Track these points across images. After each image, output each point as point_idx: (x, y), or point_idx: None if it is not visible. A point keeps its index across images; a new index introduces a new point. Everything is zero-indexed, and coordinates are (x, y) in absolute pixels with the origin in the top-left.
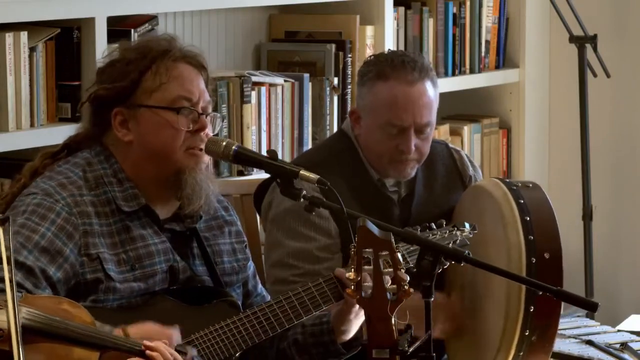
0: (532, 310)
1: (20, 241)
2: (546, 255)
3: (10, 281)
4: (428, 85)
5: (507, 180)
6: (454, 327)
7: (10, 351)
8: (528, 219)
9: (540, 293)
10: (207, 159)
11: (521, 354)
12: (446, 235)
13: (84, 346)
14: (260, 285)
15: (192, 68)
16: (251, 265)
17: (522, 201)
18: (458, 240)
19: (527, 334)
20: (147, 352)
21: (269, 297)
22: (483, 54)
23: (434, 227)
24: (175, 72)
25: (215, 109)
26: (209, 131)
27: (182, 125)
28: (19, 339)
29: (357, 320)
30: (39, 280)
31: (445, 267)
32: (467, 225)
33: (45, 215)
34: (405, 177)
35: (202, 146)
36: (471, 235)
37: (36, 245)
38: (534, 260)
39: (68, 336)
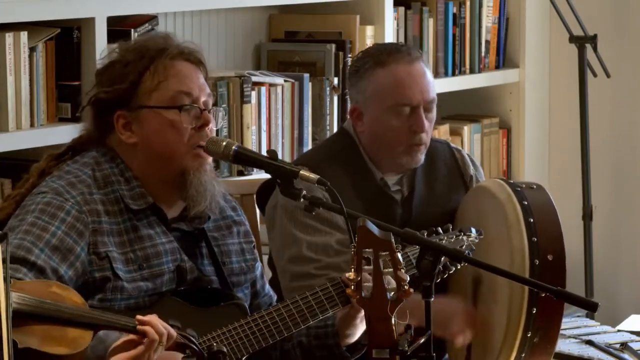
0: (534, 311)
1: (32, 240)
2: (549, 257)
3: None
4: (424, 65)
5: (511, 181)
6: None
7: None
8: (532, 220)
9: (543, 294)
10: (211, 159)
11: (523, 355)
12: (452, 240)
13: (77, 326)
14: (267, 286)
15: (190, 64)
16: (259, 265)
17: (525, 202)
18: (464, 246)
19: (529, 335)
20: (139, 327)
21: (275, 297)
22: (483, 54)
23: (441, 231)
24: (173, 70)
25: (215, 105)
26: (212, 126)
27: (185, 123)
28: (9, 325)
29: (363, 324)
30: (50, 280)
31: (451, 272)
32: (473, 230)
33: (55, 214)
34: (417, 163)
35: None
36: (477, 241)
37: (47, 244)
38: (537, 262)
39: (61, 318)
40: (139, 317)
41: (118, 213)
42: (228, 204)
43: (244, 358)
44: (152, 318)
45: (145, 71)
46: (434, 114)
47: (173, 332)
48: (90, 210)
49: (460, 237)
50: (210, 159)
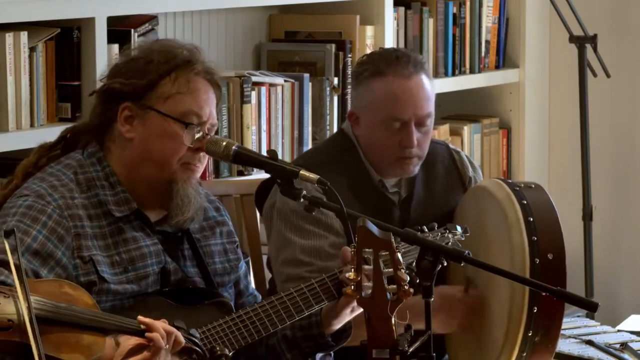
0: (535, 310)
1: (12, 244)
2: (549, 256)
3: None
4: (424, 78)
5: (510, 180)
6: (468, 323)
7: (21, 342)
8: (531, 219)
9: (544, 293)
10: (198, 175)
11: (524, 354)
12: (438, 237)
13: (91, 331)
14: (251, 286)
15: (210, 86)
16: (242, 265)
17: (525, 202)
18: (450, 243)
19: (530, 334)
20: (147, 334)
21: (260, 297)
22: (483, 54)
23: (426, 229)
24: (194, 86)
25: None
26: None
27: (186, 141)
28: (36, 332)
29: (353, 314)
30: None
31: (443, 264)
32: (458, 227)
33: (36, 217)
34: (409, 174)
35: (198, 165)
36: (463, 238)
37: (28, 248)
38: (537, 261)
39: (75, 322)
40: (140, 318)
41: (102, 216)
42: (211, 204)
43: (230, 353)
44: (155, 322)
45: (166, 75)
46: (428, 127)
47: (181, 337)
48: (71, 214)
49: (446, 235)
50: (198, 174)
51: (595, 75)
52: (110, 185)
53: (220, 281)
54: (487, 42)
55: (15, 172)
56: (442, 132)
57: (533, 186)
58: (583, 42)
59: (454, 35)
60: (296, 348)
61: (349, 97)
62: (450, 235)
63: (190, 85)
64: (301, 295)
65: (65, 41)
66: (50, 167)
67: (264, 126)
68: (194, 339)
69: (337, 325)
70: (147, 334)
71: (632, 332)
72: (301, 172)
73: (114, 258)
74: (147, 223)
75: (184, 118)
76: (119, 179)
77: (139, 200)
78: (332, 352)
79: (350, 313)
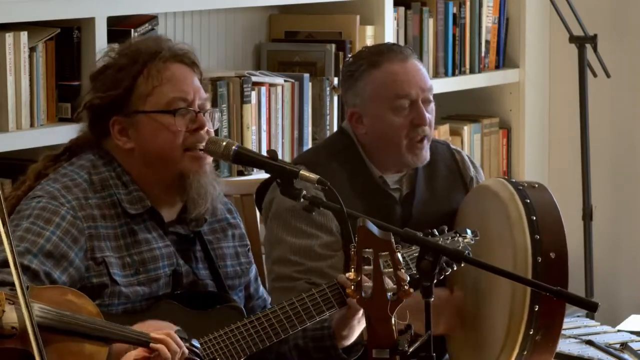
0: (537, 309)
1: (26, 246)
2: (552, 255)
3: (21, 288)
4: (417, 61)
5: (513, 180)
6: (459, 323)
7: (24, 350)
8: (534, 218)
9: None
10: (210, 160)
11: (525, 352)
12: (448, 241)
13: (93, 340)
14: (261, 288)
15: (183, 66)
16: (253, 268)
17: (528, 201)
18: (460, 247)
19: (531, 332)
20: (152, 345)
21: (269, 300)
22: (483, 54)
23: (436, 233)
24: (168, 74)
25: (214, 107)
26: (208, 128)
27: (180, 127)
28: (38, 339)
29: (360, 326)
30: (43, 285)
31: (447, 273)
32: (469, 231)
33: (50, 219)
34: (423, 161)
35: (204, 145)
36: (473, 242)
37: (41, 249)
38: (539, 259)
39: (78, 331)
40: (153, 335)
41: (115, 217)
42: (224, 206)
43: None
44: (167, 337)
45: (139, 75)
46: (433, 106)
47: (185, 350)
48: (85, 215)
49: (456, 239)
50: (209, 160)
51: (595, 75)
52: (123, 184)
53: (231, 284)
54: (487, 42)
55: (27, 174)
56: (442, 132)
57: (536, 186)
58: (583, 42)
59: (454, 35)
60: (307, 358)
61: (343, 100)
62: (460, 239)
63: (163, 74)
64: (313, 301)
65: (65, 41)
66: (64, 167)
67: (264, 126)
68: (195, 349)
69: (349, 337)
70: (152, 345)
71: (632, 332)
72: (301, 172)
73: (126, 260)
74: (161, 223)
75: (170, 107)
76: (131, 178)
77: (152, 199)
78: None
79: (358, 324)
